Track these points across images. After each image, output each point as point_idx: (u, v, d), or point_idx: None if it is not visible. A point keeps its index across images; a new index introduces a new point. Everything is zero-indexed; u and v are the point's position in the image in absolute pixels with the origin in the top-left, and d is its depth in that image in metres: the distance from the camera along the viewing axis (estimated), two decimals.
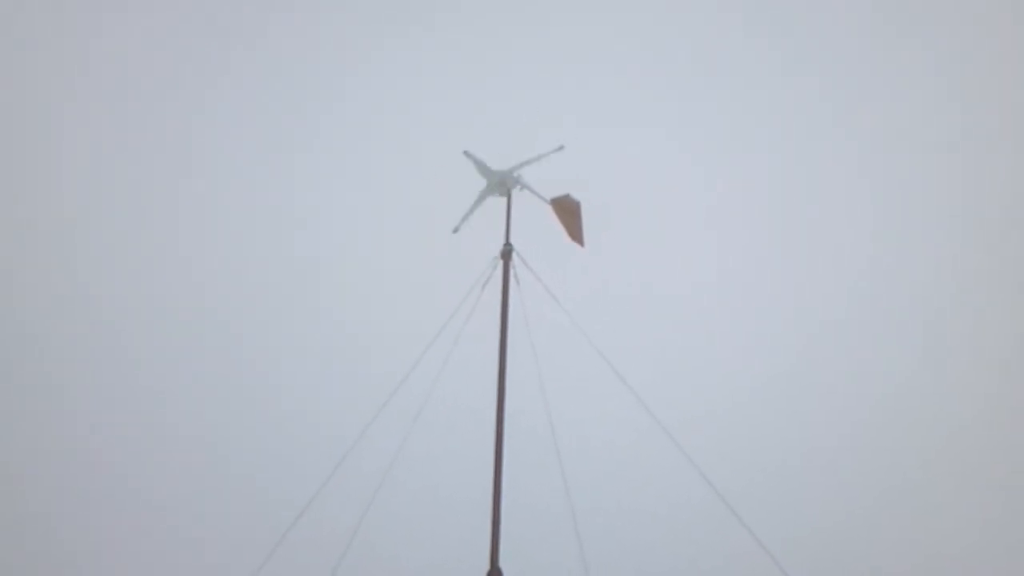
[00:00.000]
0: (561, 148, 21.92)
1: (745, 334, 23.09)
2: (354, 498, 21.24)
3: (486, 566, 20.09)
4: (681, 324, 23.22)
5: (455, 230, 21.88)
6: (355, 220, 23.41)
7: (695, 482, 21.55)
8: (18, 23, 23.01)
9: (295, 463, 22.02)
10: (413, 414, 21.71)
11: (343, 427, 21.83)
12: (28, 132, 23.25)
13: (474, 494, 21.44)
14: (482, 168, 21.84)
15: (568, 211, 22.11)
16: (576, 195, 22.17)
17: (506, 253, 21.98)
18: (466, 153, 21.69)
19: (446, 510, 22.17)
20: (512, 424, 21.46)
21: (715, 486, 21.43)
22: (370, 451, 21.51)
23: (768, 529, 21.38)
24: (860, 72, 23.93)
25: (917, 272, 23.54)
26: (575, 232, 22.05)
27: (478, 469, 21.36)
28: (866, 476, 22.63)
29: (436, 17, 23.68)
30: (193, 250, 22.70)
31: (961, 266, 23.36)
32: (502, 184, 22.12)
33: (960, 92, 23.83)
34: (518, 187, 22.14)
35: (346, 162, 23.52)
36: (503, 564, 20.45)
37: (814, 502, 22.33)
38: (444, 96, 23.76)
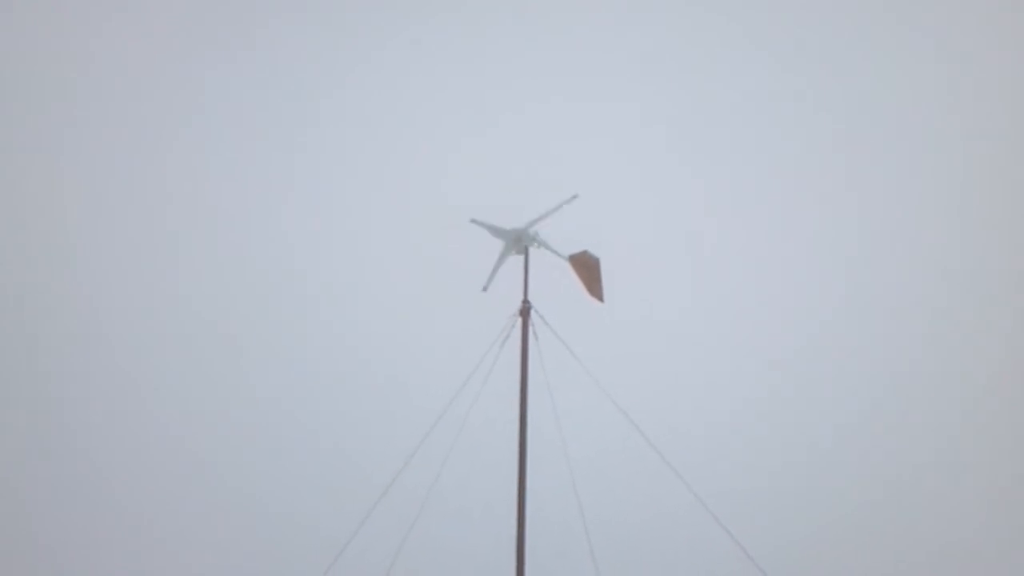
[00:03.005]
0: (575, 197, 21.89)
1: (770, 387, 23.31)
2: (380, 552, 21.74)
3: None
4: (702, 378, 23.44)
5: (484, 288, 21.98)
6: (376, 277, 23.50)
7: (719, 538, 22.01)
8: (21, 23, 22.73)
9: (319, 522, 22.44)
10: (436, 469, 22.09)
11: (366, 483, 22.21)
12: (27, 134, 23.11)
13: (496, 547, 21.93)
14: (495, 231, 21.92)
15: (587, 268, 22.17)
16: (592, 248, 22.24)
17: (524, 311, 22.15)
18: (473, 221, 21.77)
19: (470, 562, 22.65)
20: (533, 478, 21.87)
21: (740, 541, 21.91)
22: (393, 506, 21.95)
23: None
24: (853, 89, 23.75)
25: (907, 286, 23.69)
26: (594, 288, 22.14)
27: (500, 522, 21.84)
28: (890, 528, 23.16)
29: (445, 64, 23.51)
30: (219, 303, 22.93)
31: (956, 275, 23.48)
32: (519, 241, 22.17)
33: (959, 95, 23.66)
34: (535, 244, 22.18)
35: (365, 220, 23.56)
36: None
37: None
38: (456, 150, 23.69)
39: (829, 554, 22.89)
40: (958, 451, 23.03)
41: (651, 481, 22.51)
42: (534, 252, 22.17)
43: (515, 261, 22.21)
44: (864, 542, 22.97)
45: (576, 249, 22.19)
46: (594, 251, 22.22)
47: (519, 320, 22.12)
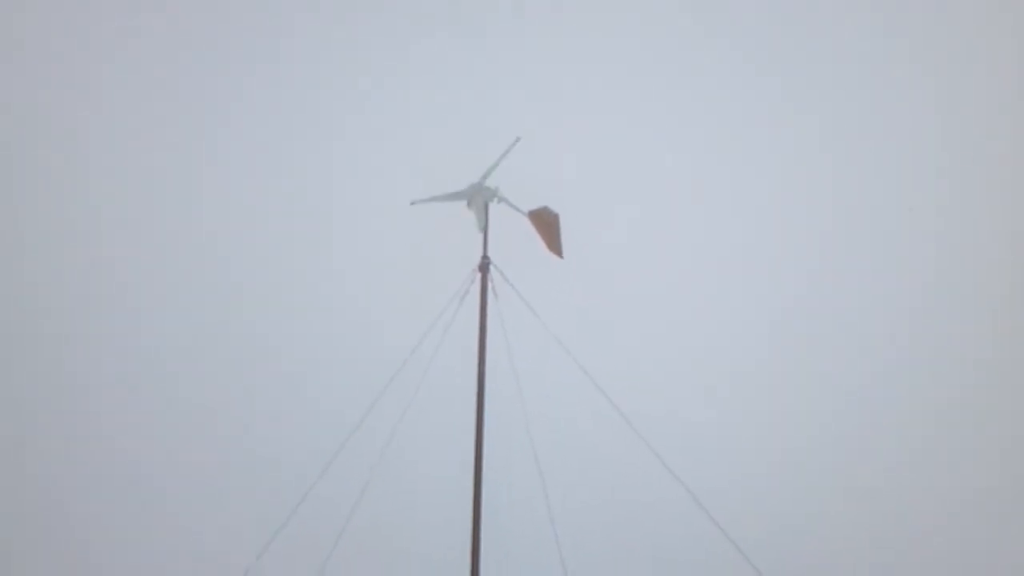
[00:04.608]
0: (519, 140, 21.09)
1: (731, 344, 22.58)
2: (329, 520, 21.75)
3: None
4: (664, 336, 22.73)
5: (412, 202, 21.35)
6: (327, 231, 22.96)
7: (680, 496, 21.71)
8: (32, 21, 22.20)
9: (267, 484, 22.42)
10: (390, 429, 21.91)
11: (320, 441, 22.10)
12: (37, 132, 22.69)
13: (453, 515, 21.80)
14: (446, 197, 21.28)
15: (547, 223, 21.50)
16: (553, 203, 21.52)
17: (484, 266, 21.64)
18: (414, 203, 21.18)
19: (424, 532, 22.56)
20: (491, 440, 21.59)
21: (700, 501, 21.66)
22: (347, 469, 21.83)
23: (745, 530, 21.66)
24: (849, 80, 22.38)
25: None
26: (554, 245, 21.52)
27: (457, 487, 21.65)
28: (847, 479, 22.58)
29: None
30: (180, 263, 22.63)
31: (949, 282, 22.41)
32: (478, 197, 21.50)
33: (959, 90, 22.25)
34: (496, 200, 21.52)
35: (320, 171, 22.92)
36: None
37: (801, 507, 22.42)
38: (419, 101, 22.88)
39: (796, 530, 22.43)
40: (943, 453, 22.22)
41: (612, 443, 22.13)
42: (495, 208, 21.47)
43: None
44: (831, 532, 22.42)
45: (538, 204, 21.48)
46: (558, 202, 21.49)
47: (478, 276, 21.62)
